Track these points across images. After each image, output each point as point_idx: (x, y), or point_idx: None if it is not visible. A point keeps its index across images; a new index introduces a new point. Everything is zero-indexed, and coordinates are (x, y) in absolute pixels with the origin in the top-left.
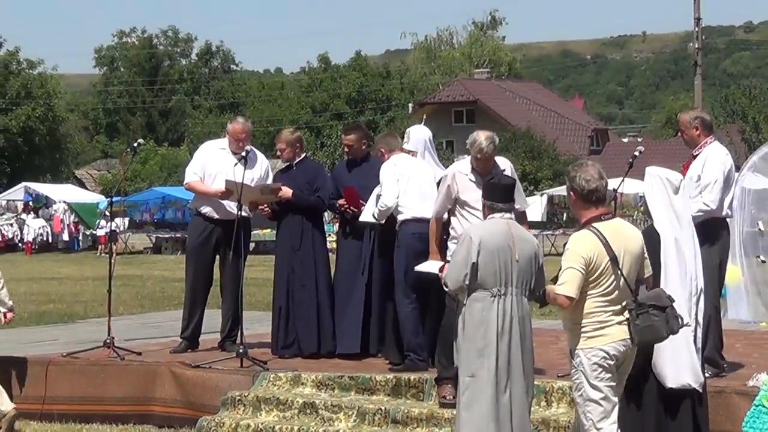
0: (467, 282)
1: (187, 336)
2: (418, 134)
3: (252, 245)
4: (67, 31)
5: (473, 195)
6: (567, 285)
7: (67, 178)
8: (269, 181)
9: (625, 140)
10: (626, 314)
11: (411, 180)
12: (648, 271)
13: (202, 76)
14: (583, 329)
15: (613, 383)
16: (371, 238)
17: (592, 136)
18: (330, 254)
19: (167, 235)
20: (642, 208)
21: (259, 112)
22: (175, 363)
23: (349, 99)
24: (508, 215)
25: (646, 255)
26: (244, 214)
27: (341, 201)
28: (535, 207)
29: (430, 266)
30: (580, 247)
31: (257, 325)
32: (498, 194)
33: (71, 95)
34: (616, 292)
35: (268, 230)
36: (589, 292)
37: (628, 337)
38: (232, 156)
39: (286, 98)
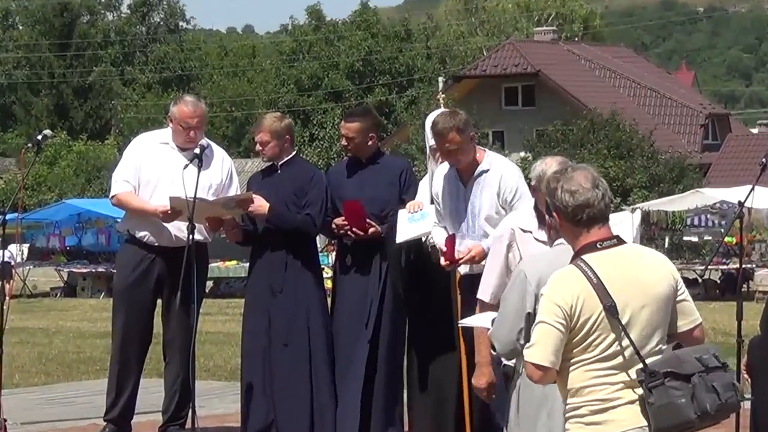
0: (522, 341)
1: (114, 418)
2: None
3: (209, 284)
4: None
5: None
6: (536, 348)
7: None
8: (234, 189)
9: (755, 131)
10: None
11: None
12: (692, 320)
13: (136, 37)
14: (576, 412)
15: None
16: (381, 273)
17: (707, 124)
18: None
19: (85, 270)
20: None
21: (220, 90)
22: None
23: (351, 71)
24: None
25: (683, 295)
26: (199, 238)
27: (339, 220)
28: (625, 227)
29: (482, 320)
30: (557, 291)
31: (216, 401)
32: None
33: None
34: (620, 356)
35: (234, 262)
36: (577, 358)
37: (645, 424)
38: (179, 154)
39: (260, 70)
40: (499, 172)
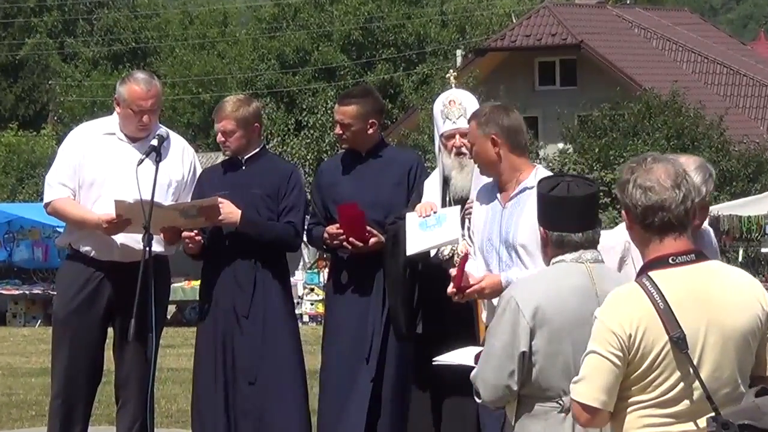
0: (515, 386)
1: None
2: (476, 103)
3: (171, 309)
4: None
5: None
6: (585, 384)
7: None
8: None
9: None
10: None
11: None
12: None
13: (78, 2)
14: None
15: None
16: (384, 294)
17: None
18: (313, 323)
19: (17, 292)
20: None
21: (184, 68)
22: None
23: (347, 42)
24: (590, 254)
25: None
26: (159, 249)
27: (333, 228)
28: None
29: (462, 356)
30: (614, 316)
31: None
32: (567, 214)
33: None
34: (687, 400)
35: (198, 282)
36: (635, 398)
37: None
38: (129, 146)
39: (233, 41)
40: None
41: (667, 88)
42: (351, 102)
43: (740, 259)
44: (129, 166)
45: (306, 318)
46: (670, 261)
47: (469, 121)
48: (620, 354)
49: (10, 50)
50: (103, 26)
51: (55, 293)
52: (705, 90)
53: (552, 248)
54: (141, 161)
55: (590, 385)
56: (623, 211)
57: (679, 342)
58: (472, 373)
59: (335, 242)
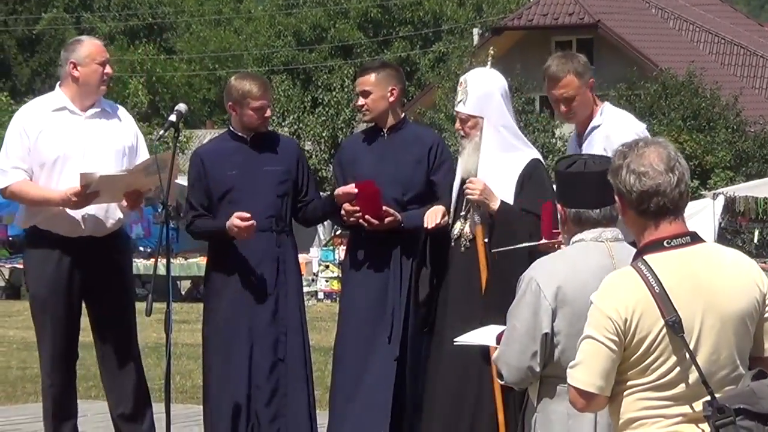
0: (537, 368)
1: None
2: (485, 86)
3: (186, 285)
4: None
5: None
6: (581, 369)
7: None
8: (143, 153)
9: None
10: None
11: None
12: None
13: None
14: None
15: None
16: (401, 273)
17: None
18: (328, 300)
19: None
20: None
21: (200, 44)
22: None
23: (364, 19)
24: (609, 233)
25: None
26: (120, 217)
27: (349, 205)
28: (704, 217)
29: (484, 336)
30: (610, 300)
31: (196, 430)
32: (585, 190)
33: None
34: (682, 384)
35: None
36: (632, 382)
37: None
38: (82, 118)
39: (249, 18)
40: (606, 130)
41: (684, 69)
42: (369, 71)
43: (755, 240)
44: (87, 140)
45: (321, 295)
46: (665, 244)
47: (563, 77)
48: (616, 339)
49: (26, 24)
50: (119, 1)
51: (27, 276)
52: (721, 71)
53: (571, 226)
54: (160, 136)
55: (587, 371)
56: (616, 197)
57: (674, 326)
58: (494, 355)
59: (351, 219)
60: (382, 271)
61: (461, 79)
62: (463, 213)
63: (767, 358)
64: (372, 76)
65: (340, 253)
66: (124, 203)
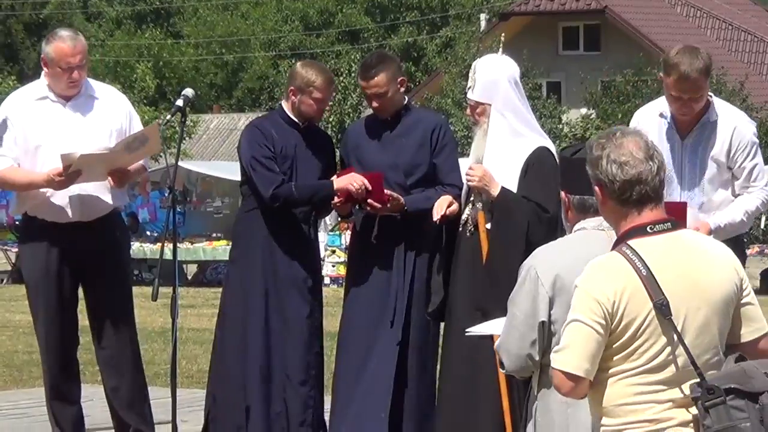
0: (537, 356)
1: None
2: (492, 72)
3: (192, 269)
4: None
5: None
6: (567, 353)
7: None
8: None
9: None
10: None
11: None
12: (757, 328)
13: None
14: None
15: None
16: (405, 257)
17: None
18: (334, 285)
19: None
20: None
21: (207, 28)
22: None
23: (371, 5)
24: None
25: (749, 297)
26: (110, 202)
27: (353, 186)
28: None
29: (494, 327)
30: (596, 283)
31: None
32: (586, 178)
33: None
34: (671, 367)
35: (222, 242)
36: (617, 368)
37: None
38: (63, 107)
39: (257, 2)
40: (732, 122)
41: None
42: (377, 71)
43: (762, 225)
44: (68, 127)
45: (327, 280)
46: (648, 230)
47: (691, 74)
48: (603, 322)
49: (33, 9)
50: None
51: (21, 262)
52: (728, 57)
53: (574, 213)
54: (167, 121)
55: (574, 354)
56: (595, 187)
57: (662, 308)
58: (496, 343)
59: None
60: (387, 256)
61: (472, 65)
62: (472, 199)
63: (744, 343)
64: (382, 77)
65: (347, 238)
66: (111, 182)
